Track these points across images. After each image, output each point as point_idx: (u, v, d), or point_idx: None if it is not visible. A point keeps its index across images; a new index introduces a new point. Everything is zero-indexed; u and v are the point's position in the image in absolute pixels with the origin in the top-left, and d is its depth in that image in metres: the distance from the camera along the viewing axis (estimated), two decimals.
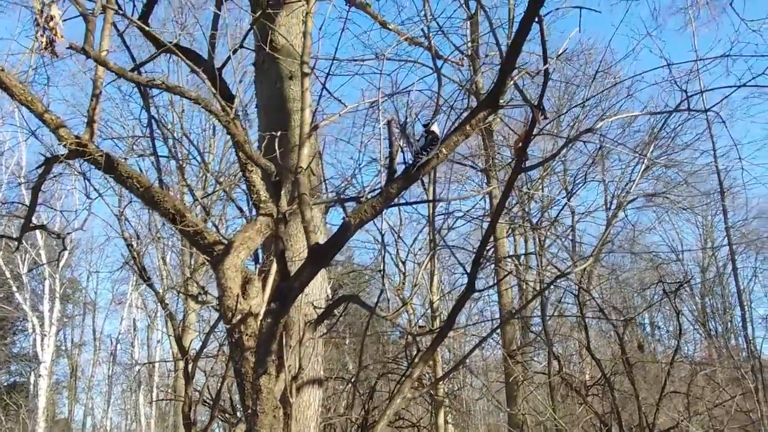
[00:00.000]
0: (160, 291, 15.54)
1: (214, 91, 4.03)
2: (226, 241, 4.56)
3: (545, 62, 3.72)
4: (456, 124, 3.72)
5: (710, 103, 5.93)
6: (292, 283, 3.53)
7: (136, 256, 9.93)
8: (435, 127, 3.39)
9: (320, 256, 3.45)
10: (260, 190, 4.70)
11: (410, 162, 3.41)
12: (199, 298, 9.30)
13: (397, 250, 15.35)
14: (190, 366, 10.84)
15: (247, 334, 4.21)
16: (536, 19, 3.51)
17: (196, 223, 4.63)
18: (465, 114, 4.06)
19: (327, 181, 7.70)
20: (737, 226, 16.82)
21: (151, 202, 4.78)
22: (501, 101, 3.53)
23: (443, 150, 3.40)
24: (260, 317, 4.01)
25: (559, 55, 4.11)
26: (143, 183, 4.71)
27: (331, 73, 5.12)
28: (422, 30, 10.15)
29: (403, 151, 3.48)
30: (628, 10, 9.65)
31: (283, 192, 3.82)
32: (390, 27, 8.82)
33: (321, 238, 4.07)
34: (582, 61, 14.48)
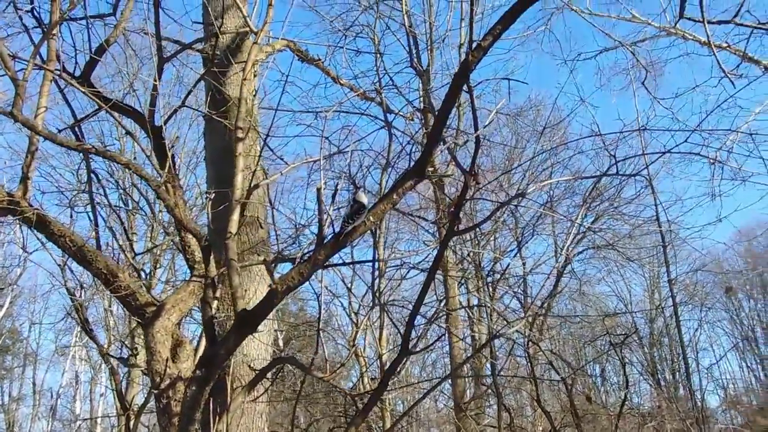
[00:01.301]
0: (104, 343, 15.05)
1: (149, 154, 4.03)
2: (158, 303, 4.50)
3: (476, 130, 3.86)
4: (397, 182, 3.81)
5: (655, 164, 6.28)
6: (217, 349, 3.49)
7: (78, 307, 9.63)
8: (362, 197, 3.46)
9: (247, 323, 3.43)
10: (195, 251, 4.67)
11: (338, 229, 3.47)
12: (129, 361, 9.04)
13: (350, 301, 15.28)
14: (132, 422, 10.43)
15: (175, 399, 4.13)
16: (467, 89, 3.67)
17: (129, 284, 4.57)
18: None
19: (280, 231, 7.69)
20: (680, 280, 17.35)
21: (84, 261, 4.71)
22: (428, 170, 3.64)
23: (371, 218, 3.47)
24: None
25: (486, 125, 4.27)
26: (76, 242, 4.65)
27: (271, 134, 5.20)
28: (373, 85, 10.41)
29: (332, 220, 3.53)
30: (572, 72, 10.07)
31: (213, 257, 3.81)
32: (342, 82, 9.02)
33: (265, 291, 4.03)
34: (532, 116, 15.00)
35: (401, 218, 14.27)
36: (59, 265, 8.97)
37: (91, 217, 5.41)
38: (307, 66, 8.38)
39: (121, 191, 12.53)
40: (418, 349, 5.06)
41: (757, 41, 9.85)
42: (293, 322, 15.66)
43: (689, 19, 4.75)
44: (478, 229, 13.40)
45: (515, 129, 15.41)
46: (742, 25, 6.22)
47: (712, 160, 6.79)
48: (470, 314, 14.67)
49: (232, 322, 4.21)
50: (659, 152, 5.09)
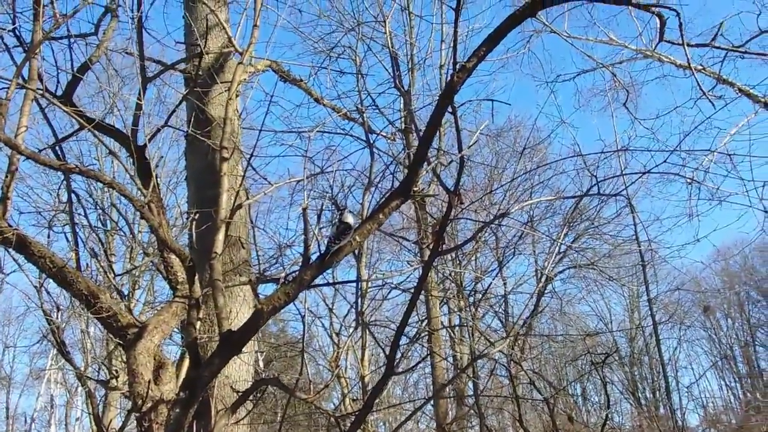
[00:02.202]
0: (81, 366, 14.75)
1: (132, 174, 4.01)
2: (140, 324, 4.44)
3: (460, 150, 3.90)
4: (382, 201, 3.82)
5: (634, 184, 6.38)
6: (201, 372, 3.45)
7: (55, 330, 9.45)
8: (348, 217, 3.47)
9: (231, 345, 3.40)
10: (177, 271, 4.63)
11: (324, 249, 3.47)
12: (110, 384, 8.87)
13: (331, 321, 15.18)
14: None
15: (157, 422, 4.05)
16: (451, 110, 3.71)
17: (110, 306, 4.50)
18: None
19: (262, 252, 7.64)
20: (659, 299, 17.54)
21: (64, 282, 4.63)
22: (413, 190, 3.66)
23: (356, 238, 3.48)
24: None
25: (471, 146, 4.31)
26: (56, 263, 4.57)
27: (255, 154, 5.20)
28: (356, 105, 10.47)
29: (317, 240, 3.53)
30: (552, 92, 10.25)
31: (197, 277, 3.77)
32: (324, 103, 9.06)
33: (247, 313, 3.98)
34: (511, 137, 15.18)
35: (383, 238, 14.29)
36: (35, 287, 8.81)
37: (70, 238, 5.33)
38: (290, 86, 8.42)
39: (100, 211, 12.38)
40: (402, 370, 5.06)
41: (731, 64, 10.10)
42: (274, 342, 15.51)
43: (668, 41, 4.86)
44: (459, 249, 13.44)
45: (495, 149, 15.59)
46: (719, 48, 6.39)
47: (689, 180, 6.92)
48: (452, 334, 14.66)
49: (216, 343, 4.17)
50: (639, 172, 5.18)
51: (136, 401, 3.88)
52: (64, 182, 5.88)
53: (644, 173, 5.29)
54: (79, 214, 6.00)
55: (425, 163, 3.87)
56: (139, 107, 5.19)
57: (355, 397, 13.17)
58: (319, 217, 3.65)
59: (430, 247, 4.90)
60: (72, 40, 5.91)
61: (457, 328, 14.54)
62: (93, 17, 6.74)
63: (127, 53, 6.65)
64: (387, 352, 4.45)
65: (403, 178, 3.60)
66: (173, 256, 4.69)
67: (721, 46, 6.62)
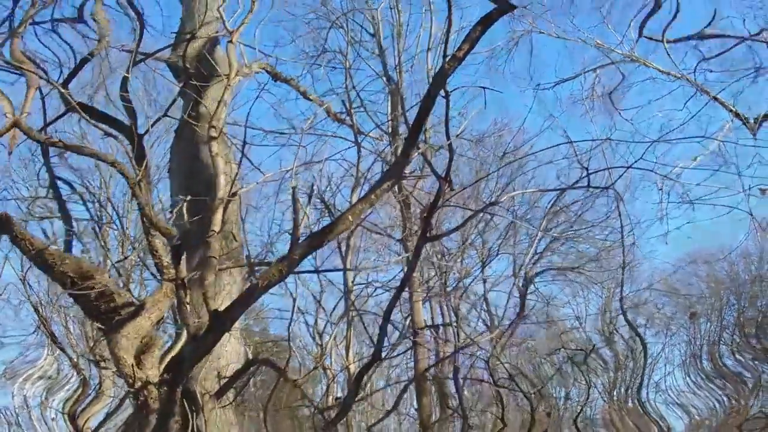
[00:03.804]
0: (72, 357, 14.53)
1: (130, 154, 4.02)
2: (138, 302, 4.42)
3: (447, 138, 3.97)
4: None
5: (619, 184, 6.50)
6: (193, 350, 3.46)
7: (45, 321, 9.46)
8: None
9: (222, 320, 3.42)
10: (162, 255, 4.62)
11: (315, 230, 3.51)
12: (101, 364, 8.81)
13: (316, 319, 15.17)
14: None
15: (151, 398, 4.06)
16: (444, 95, 3.77)
17: (107, 284, 4.46)
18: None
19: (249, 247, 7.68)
20: (631, 299, 17.85)
21: (44, 264, 4.59)
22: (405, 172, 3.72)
23: (349, 217, 3.51)
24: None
25: (459, 135, 4.39)
26: (35, 245, 4.55)
27: (248, 142, 5.23)
28: (343, 102, 10.55)
29: (308, 218, 3.57)
30: (535, 97, 10.39)
31: (183, 257, 3.79)
32: (311, 97, 9.16)
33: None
34: (495, 140, 15.30)
35: (368, 236, 14.31)
36: (21, 279, 8.76)
37: (60, 220, 5.33)
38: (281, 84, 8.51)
39: (97, 205, 12.43)
40: (387, 356, 5.11)
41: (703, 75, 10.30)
42: (258, 340, 15.47)
43: (648, 38, 4.99)
44: (445, 249, 13.56)
45: (479, 153, 15.69)
46: (708, 37, 6.55)
47: (663, 177, 6.96)
48: (435, 334, 14.72)
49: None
50: (623, 166, 5.30)
51: (127, 380, 3.88)
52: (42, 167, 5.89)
53: (628, 167, 5.42)
54: (75, 202, 6.00)
55: (416, 147, 3.93)
56: (126, 99, 5.21)
57: (337, 396, 13.17)
58: (310, 198, 3.69)
59: (418, 233, 4.95)
60: (56, 24, 5.94)
61: (441, 327, 14.63)
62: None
63: (128, 51, 6.63)
64: (374, 339, 4.49)
65: (394, 160, 3.66)
66: (158, 240, 4.69)
67: (714, 34, 6.78)
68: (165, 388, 3.46)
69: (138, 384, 3.83)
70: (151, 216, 3.82)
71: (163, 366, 4.19)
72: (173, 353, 4.34)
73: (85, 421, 13.91)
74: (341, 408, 4.27)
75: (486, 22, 3.30)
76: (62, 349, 8.26)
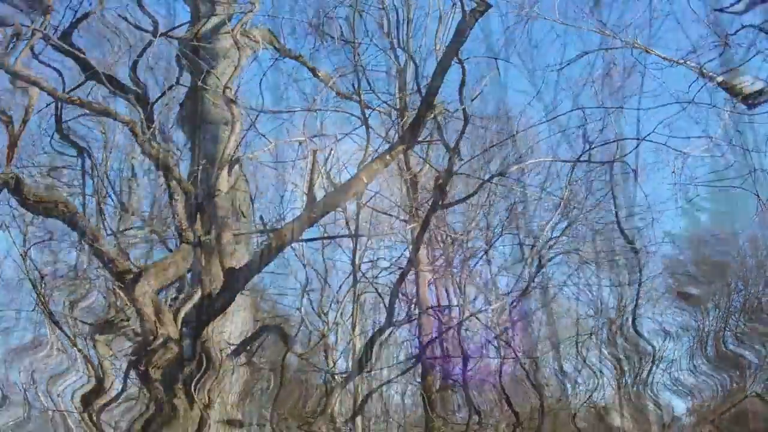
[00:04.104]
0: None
1: (142, 116, 4.08)
2: (137, 269, 4.49)
3: (462, 103, 4.01)
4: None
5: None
6: (209, 306, 3.53)
7: (44, 299, 9.51)
8: None
9: (236, 277, 3.48)
10: (182, 218, 4.69)
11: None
12: (120, 324, 8.89)
13: (321, 298, 15.26)
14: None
15: (157, 366, 4.14)
16: (458, 61, 3.80)
17: (108, 251, 4.54)
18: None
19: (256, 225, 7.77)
20: (643, 281, 17.76)
21: (71, 222, 4.67)
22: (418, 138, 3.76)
23: (363, 177, 3.56)
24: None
25: (474, 99, 4.43)
26: (58, 200, 4.62)
27: (264, 110, 5.29)
28: (352, 84, 10.51)
29: (323, 178, 3.62)
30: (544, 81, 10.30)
31: (199, 217, 3.86)
32: (320, 74, 9.17)
33: None
34: (504, 121, 15.23)
35: (375, 218, 14.34)
36: (21, 255, 8.83)
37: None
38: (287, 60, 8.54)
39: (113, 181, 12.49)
40: (397, 321, 5.21)
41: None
42: (266, 316, 15.58)
43: None
44: (453, 232, 13.60)
45: (486, 136, 15.60)
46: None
47: (678, 153, 6.91)
48: (439, 317, 14.79)
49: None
50: (636, 138, 5.35)
51: (147, 336, 3.94)
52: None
53: (641, 139, 5.47)
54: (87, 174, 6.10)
55: (430, 112, 3.96)
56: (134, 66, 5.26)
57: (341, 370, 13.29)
58: (327, 160, 3.73)
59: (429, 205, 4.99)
60: None
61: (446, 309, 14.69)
62: None
63: (135, 27, 6.64)
64: (387, 302, 4.57)
65: (409, 124, 3.70)
66: (179, 205, 4.75)
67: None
68: (187, 340, 3.54)
69: (160, 339, 3.90)
70: (168, 164, 3.88)
71: (179, 324, 4.26)
72: (187, 311, 4.41)
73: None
74: (355, 369, 4.35)
75: None
76: (60, 327, 8.32)
